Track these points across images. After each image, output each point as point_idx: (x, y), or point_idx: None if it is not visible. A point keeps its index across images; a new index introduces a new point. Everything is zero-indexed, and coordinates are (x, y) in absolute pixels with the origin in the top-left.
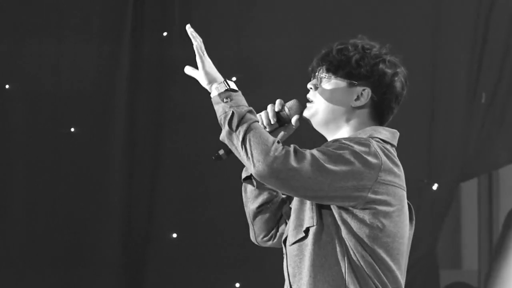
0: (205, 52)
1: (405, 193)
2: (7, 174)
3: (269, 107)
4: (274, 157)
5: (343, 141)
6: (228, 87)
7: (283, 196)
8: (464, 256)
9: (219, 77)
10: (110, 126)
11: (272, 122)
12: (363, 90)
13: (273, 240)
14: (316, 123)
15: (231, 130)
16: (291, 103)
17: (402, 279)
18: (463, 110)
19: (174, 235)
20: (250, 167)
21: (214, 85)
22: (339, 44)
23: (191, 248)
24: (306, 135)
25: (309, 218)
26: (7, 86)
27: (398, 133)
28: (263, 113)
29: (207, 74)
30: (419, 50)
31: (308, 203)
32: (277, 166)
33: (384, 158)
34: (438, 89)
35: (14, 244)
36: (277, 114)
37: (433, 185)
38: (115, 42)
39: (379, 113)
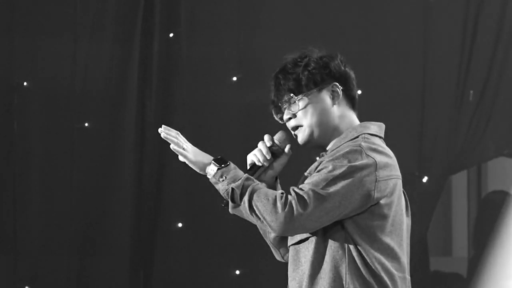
0: (184, 144)
1: (401, 181)
2: (26, 167)
3: (260, 144)
4: (284, 213)
5: (334, 160)
6: (218, 166)
7: None
8: (454, 244)
9: (207, 160)
10: (122, 122)
11: (268, 158)
12: (332, 86)
13: None
14: (317, 141)
15: (237, 205)
16: (279, 135)
17: (407, 265)
18: (452, 106)
19: (180, 225)
20: (268, 229)
21: (207, 170)
22: (280, 72)
23: (195, 237)
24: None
25: None
26: (25, 84)
27: (384, 125)
28: (257, 152)
29: (195, 164)
30: (411, 49)
31: None
32: (290, 219)
33: (377, 156)
34: (429, 86)
35: (33, 233)
36: (270, 149)
37: (423, 177)
38: (126, 42)
39: (350, 98)
